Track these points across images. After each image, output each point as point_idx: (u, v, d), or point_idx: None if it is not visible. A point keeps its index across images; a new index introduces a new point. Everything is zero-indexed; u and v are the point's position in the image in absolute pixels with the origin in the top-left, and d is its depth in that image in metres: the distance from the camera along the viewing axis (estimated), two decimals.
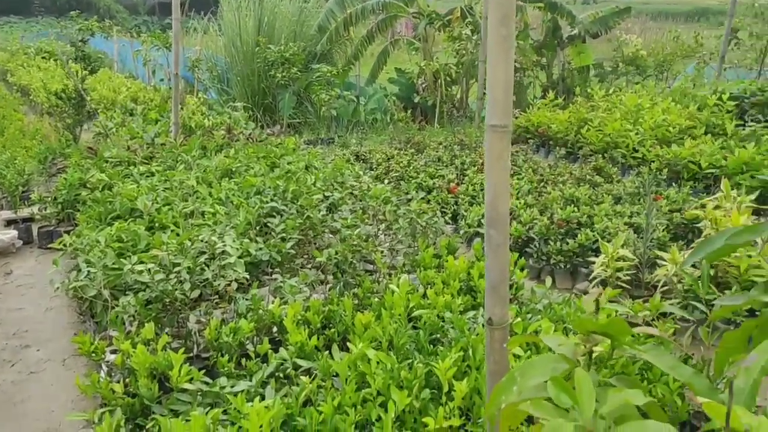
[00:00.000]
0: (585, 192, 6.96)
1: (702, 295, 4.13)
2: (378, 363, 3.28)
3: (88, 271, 4.54)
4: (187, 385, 3.36)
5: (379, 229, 5.46)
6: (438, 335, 3.84)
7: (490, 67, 2.09)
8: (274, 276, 4.72)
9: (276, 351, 3.80)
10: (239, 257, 4.60)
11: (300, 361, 3.61)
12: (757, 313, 3.93)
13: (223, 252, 4.49)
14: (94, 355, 3.80)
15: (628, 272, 5.04)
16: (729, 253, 2.84)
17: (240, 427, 2.77)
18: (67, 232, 6.54)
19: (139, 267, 4.23)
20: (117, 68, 22.00)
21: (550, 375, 1.51)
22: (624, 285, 5.06)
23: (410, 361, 3.40)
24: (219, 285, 4.24)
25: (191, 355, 4.12)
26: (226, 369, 3.55)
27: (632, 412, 1.46)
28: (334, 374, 3.38)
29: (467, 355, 3.43)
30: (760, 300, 1.88)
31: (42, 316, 5.21)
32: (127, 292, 4.42)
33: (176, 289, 4.10)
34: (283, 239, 5.03)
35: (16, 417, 3.85)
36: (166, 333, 4.23)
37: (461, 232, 6.52)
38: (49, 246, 6.73)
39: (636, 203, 6.79)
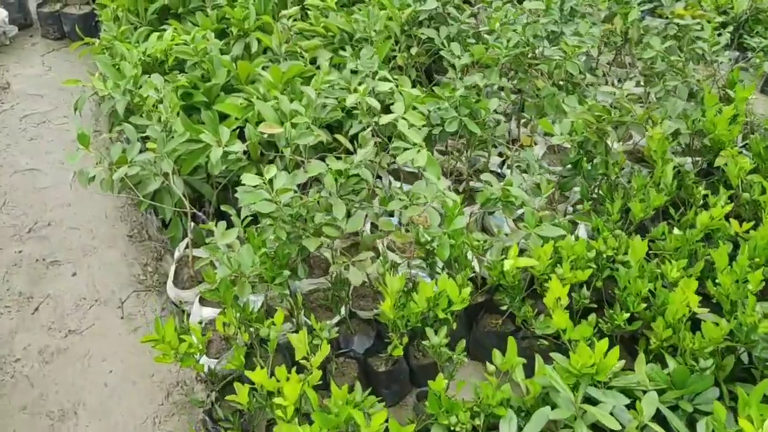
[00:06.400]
0: None
1: None
2: None
3: (141, 149, 2.47)
4: None
5: None
6: None
7: None
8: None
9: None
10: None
11: None
12: None
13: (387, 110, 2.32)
14: (181, 363, 1.95)
15: None
16: None
17: None
18: (84, 18, 4.35)
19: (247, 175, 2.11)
20: None
21: None
22: None
23: None
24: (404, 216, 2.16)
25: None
26: None
27: None
28: None
29: None
30: None
31: (71, 193, 3.18)
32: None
33: (324, 224, 2.08)
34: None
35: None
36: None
37: None
38: (57, 38, 4.51)
39: None
